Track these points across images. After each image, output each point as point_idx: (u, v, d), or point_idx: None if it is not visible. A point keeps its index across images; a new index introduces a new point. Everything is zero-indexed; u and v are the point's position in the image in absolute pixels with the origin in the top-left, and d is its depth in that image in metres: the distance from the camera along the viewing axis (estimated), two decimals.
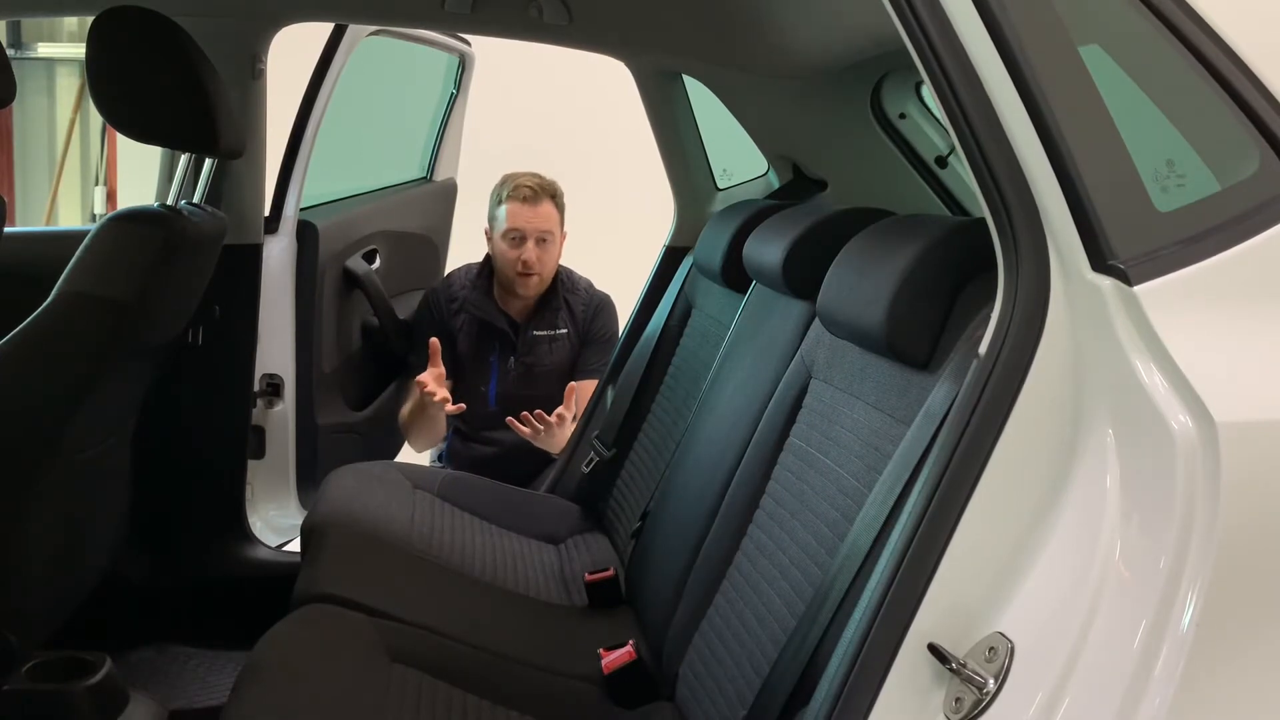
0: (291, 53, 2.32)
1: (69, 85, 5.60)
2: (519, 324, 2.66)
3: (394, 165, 3.23)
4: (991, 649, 0.86)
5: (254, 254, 2.24)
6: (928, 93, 2.21)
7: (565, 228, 2.66)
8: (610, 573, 1.94)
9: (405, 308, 2.86)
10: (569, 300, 2.72)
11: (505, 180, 2.64)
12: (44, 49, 5.53)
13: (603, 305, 2.76)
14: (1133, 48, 0.98)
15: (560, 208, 2.63)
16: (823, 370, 1.45)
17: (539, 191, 2.58)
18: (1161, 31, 0.93)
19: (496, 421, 2.54)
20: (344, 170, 3.10)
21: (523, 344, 2.65)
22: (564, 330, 2.70)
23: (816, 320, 1.48)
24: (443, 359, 2.45)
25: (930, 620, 0.88)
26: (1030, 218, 0.89)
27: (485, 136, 3.45)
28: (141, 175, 4.41)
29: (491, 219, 2.64)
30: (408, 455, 2.75)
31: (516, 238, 2.57)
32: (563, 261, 2.71)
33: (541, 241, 2.58)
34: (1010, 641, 0.85)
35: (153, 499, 1.43)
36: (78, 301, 1.46)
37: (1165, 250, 0.87)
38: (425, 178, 3.17)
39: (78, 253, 1.49)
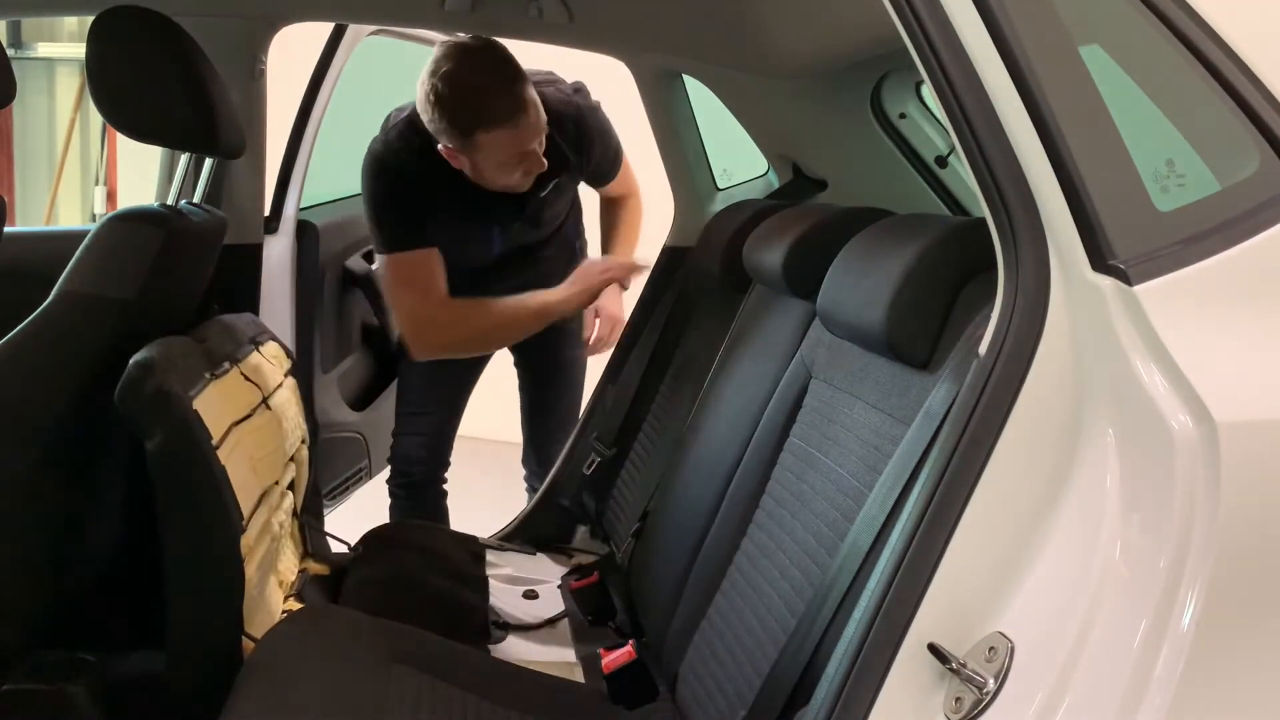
0: (291, 53, 2.32)
1: (69, 85, 5.61)
2: (516, 196, 2.11)
3: None
4: (991, 649, 0.86)
5: (254, 254, 2.24)
6: (928, 93, 2.21)
7: None
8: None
9: None
10: (554, 135, 2.08)
11: (460, 97, 1.84)
12: (44, 49, 5.54)
13: (589, 121, 2.20)
14: (1133, 48, 0.98)
15: (529, 79, 1.94)
16: (823, 370, 1.45)
17: (520, 95, 1.87)
18: (1161, 31, 0.93)
19: (486, 273, 2.25)
20: (344, 170, 3.10)
21: (529, 209, 2.21)
22: (563, 175, 2.19)
23: (816, 320, 1.48)
24: (423, 232, 2.04)
25: (930, 620, 0.88)
26: (1030, 218, 0.89)
27: None
28: (141, 175, 4.41)
29: (455, 144, 1.92)
30: None
31: (514, 158, 1.95)
32: None
33: (540, 136, 1.98)
34: (1010, 641, 0.85)
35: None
36: (78, 301, 1.46)
37: (1165, 250, 0.87)
38: None
39: (78, 253, 1.49)
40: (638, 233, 2.53)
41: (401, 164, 2.06)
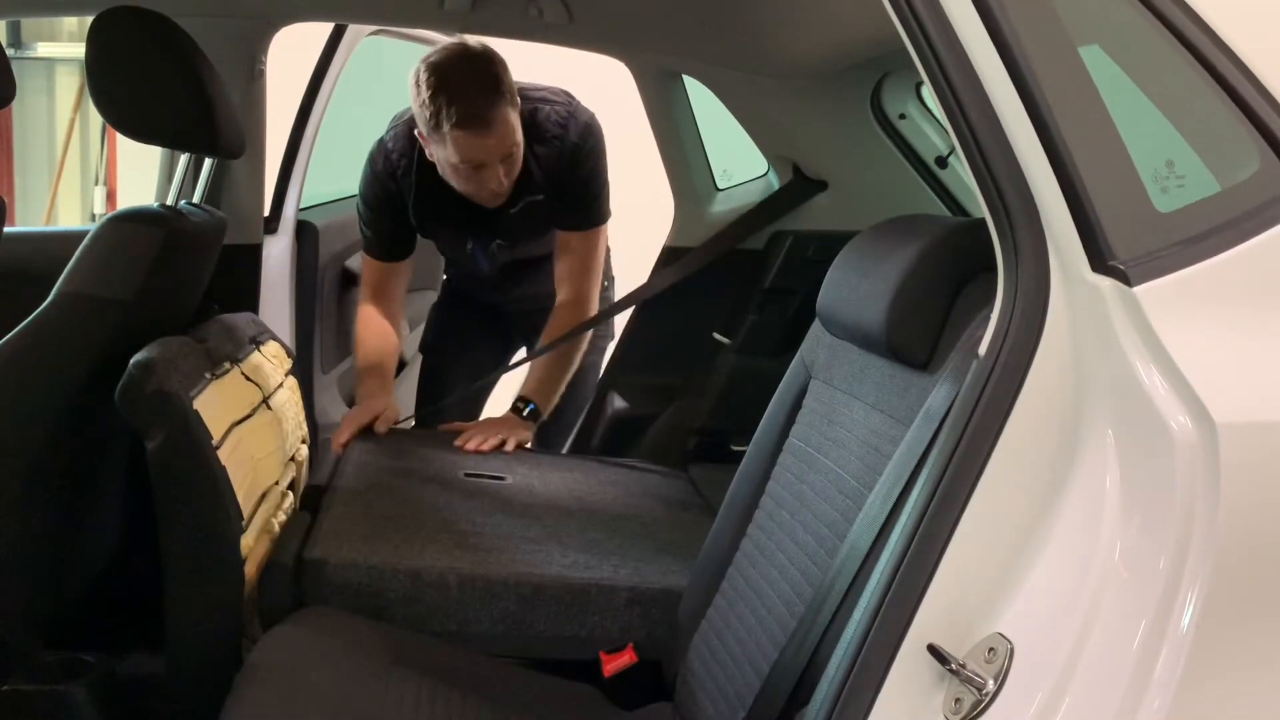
0: (291, 53, 2.32)
1: (69, 85, 5.60)
2: (489, 210, 2.14)
3: None
4: (991, 649, 0.86)
5: (254, 254, 2.24)
6: (928, 93, 2.21)
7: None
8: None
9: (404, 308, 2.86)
10: (538, 154, 2.10)
11: (435, 87, 1.90)
12: (44, 49, 5.54)
13: (577, 150, 2.11)
14: (1133, 48, 0.98)
15: (515, 103, 1.98)
16: (822, 370, 1.45)
17: (491, 108, 1.91)
18: (1161, 31, 0.93)
19: (491, 282, 2.38)
20: (344, 170, 3.10)
21: (501, 226, 2.22)
22: (539, 197, 2.15)
23: (816, 320, 1.48)
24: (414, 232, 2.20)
25: (930, 620, 0.88)
26: (1030, 218, 0.89)
27: None
28: (141, 175, 4.41)
29: (426, 132, 1.97)
30: None
31: (473, 167, 1.99)
32: None
33: (507, 159, 2.00)
34: (1010, 642, 0.85)
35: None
36: (78, 301, 1.46)
37: (1165, 251, 0.87)
38: None
39: (78, 253, 1.49)
40: (569, 363, 2.23)
41: (392, 165, 2.16)
